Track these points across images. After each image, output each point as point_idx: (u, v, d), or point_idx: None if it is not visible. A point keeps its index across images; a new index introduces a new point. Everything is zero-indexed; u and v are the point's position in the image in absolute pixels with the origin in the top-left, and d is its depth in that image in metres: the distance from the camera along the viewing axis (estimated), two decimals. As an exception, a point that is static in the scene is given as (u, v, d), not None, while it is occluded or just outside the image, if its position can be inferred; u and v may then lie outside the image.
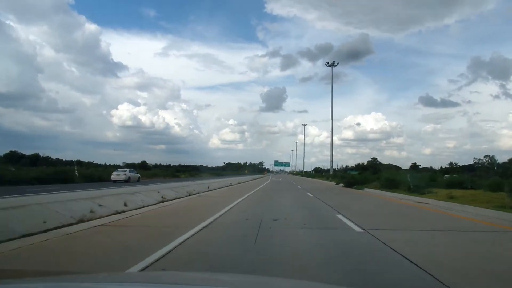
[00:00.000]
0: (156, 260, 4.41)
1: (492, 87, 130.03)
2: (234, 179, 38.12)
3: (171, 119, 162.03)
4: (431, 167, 63.01)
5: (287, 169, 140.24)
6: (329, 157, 57.04)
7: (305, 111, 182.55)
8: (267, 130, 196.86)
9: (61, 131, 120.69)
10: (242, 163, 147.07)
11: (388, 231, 7.07)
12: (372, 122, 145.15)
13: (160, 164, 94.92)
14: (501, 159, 59.63)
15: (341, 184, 31.92)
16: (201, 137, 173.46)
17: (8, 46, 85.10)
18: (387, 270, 4.32)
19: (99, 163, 73.55)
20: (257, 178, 58.50)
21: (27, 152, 70.41)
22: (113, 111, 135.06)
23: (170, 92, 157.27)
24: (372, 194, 20.35)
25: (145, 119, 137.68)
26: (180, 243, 5.43)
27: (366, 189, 23.88)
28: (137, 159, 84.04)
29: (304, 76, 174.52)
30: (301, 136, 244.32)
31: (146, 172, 50.66)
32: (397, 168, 57.79)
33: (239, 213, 9.68)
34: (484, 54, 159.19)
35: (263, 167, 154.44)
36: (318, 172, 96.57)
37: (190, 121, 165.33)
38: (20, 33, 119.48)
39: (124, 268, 3.95)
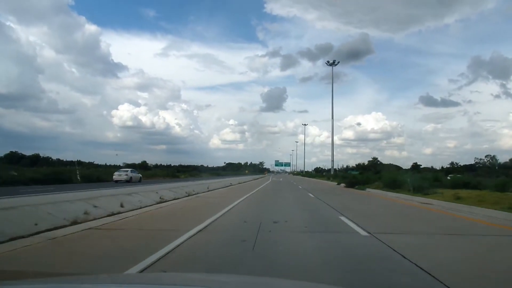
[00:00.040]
0: (144, 269, 4.00)
1: (492, 86, 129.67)
2: (234, 179, 37.77)
3: (171, 119, 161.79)
4: (432, 167, 62.68)
5: (288, 169, 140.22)
6: (330, 157, 56.72)
7: (306, 111, 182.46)
8: (268, 130, 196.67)
9: (61, 131, 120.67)
10: (242, 163, 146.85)
11: (395, 235, 6.65)
12: (372, 122, 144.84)
13: (161, 164, 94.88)
14: (502, 158, 59.31)
15: (343, 184, 31.52)
16: (201, 137, 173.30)
17: (8, 47, 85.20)
18: (399, 281, 3.91)
19: (99, 164, 73.66)
20: (257, 178, 58.12)
21: (28, 152, 70.33)
22: (114, 112, 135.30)
23: (170, 93, 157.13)
24: (375, 194, 19.93)
25: (146, 119, 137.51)
26: (173, 249, 5.02)
27: (368, 189, 23.46)
28: (137, 160, 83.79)
29: (304, 76, 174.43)
30: (301, 136, 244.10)
31: (146, 172, 50.41)
32: (397, 168, 57.33)
33: (237, 215, 9.28)
34: (484, 53, 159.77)
35: (264, 167, 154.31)
36: (318, 172, 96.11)
37: (191, 121, 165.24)
38: (20, 34, 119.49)
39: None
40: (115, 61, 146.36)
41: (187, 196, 15.65)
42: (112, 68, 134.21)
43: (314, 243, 5.87)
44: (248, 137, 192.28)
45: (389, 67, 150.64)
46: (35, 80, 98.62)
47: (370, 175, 32.16)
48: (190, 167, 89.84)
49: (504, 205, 9.99)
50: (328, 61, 55.49)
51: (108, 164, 74.49)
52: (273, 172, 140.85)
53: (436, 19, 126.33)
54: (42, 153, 72.40)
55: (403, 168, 57.46)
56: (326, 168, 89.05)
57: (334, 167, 59.78)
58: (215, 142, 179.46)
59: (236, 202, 12.85)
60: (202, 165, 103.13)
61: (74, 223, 7.18)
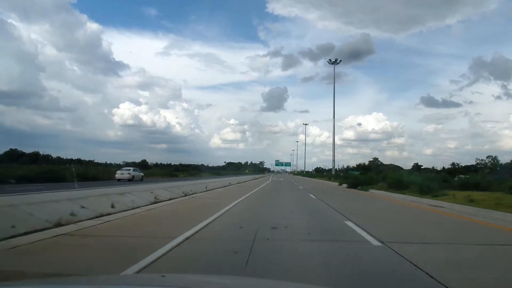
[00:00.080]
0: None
1: (493, 87, 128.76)
2: (233, 179, 36.99)
3: (172, 118, 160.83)
4: (433, 167, 61.74)
5: (288, 169, 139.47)
6: (330, 157, 55.92)
7: (306, 111, 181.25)
8: (268, 130, 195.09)
9: (62, 129, 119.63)
10: (243, 163, 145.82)
11: (412, 245, 5.77)
12: (373, 122, 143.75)
13: (161, 163, 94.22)
14: (503, 159, 58.22)
15: (344, 185, 30.63)
16: (202, 137, 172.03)
17: (10, 45, 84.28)
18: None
19: (100, 162, 73.17)
20: (257, 178, 57.29)
21: (29, 150, 69.84)
22: (115, 110, 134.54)
23: (171, 92, 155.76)
24: (379, 196, 18.99)
25: (146, 118, 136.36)
26: (148, 265, 4.14)
27: (371, 190, 22.55)
28: (137, 158, 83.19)
29: (306, 76, 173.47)
30: (302, 136, 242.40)
31: (145, 171, 49.72)
32: (398, 168, 56.44)
33: (233, 219, 8.41)
34: (485, 54, 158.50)
35: (264, 166, 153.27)
36: (319, 172, 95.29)
37: (191, 120, 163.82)
38: (22, 31, 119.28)
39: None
40: (117, 59, 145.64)
41: (183, 196, 14.96)
42: (113, 67, 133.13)
43: (319, 256, 4.97)
44: (248, 137, 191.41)
45: (390, 68, 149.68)
46: (37, 78, 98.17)
47: (374, 175, 31.19)
48: (191, 166, 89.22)
49: (525, 209, 9.08)
50: (330, 60, 55.50)
51: (108, 162, 74.10)
52: (273, 172, 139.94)
53: (438, 19, 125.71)
54: (42, 151, 72.16)
55: (404, 168, 56.65)
56: (327, 168, 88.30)
57: (335, 167, 58.95)
58: (215, 141, 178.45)
59: (233, 204, 12.03)
60: (202, 165, 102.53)
61: (58, 225, 6.65)
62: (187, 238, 5.79)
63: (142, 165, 68.18)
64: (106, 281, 1.95)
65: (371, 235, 6.35)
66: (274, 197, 16.57)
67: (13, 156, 62.52)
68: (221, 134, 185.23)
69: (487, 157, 59.99)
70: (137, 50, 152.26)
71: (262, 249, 5.19)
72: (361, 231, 6.79)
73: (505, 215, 9.10)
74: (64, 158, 71.14)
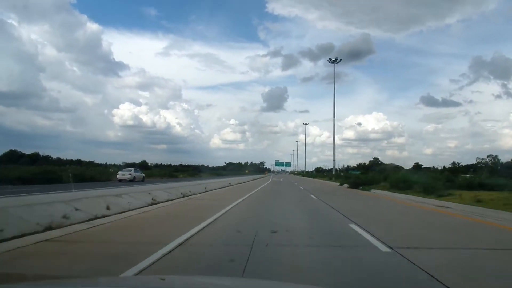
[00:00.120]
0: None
1: (493, 86, 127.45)
2: (233, 179, 36.58)
3: (172, 118, 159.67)
4: (433, 167, 61.04)
5: (288, 169, 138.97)
6: (330, 157, 55.32)
7: (306, 111, 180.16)
8: (268, 130, 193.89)
9: (62, 130, 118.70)
10: (243, 163, 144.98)
11: (424, 250, 5.33)
12: (373, 122, 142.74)
13: (161, 164, 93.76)
14: (503, 158, 57.68)
15: (345, 185, 30.18)
16: (202, 137, 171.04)
17: (10, 45, 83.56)
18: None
19: (100, 163, 72.84)
20: (257, 178, 56.86)
21: (29, 151, 69.43)
22: (115, 111, 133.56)
23: (171, 92, 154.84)
24: (382, 196, 18.52)
25: (147, 118, 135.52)
26: (135, 275, 3.70)
27: (373, 191, 22.09)
28: (137, 159, 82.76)
29: (306, 76, 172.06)
30: (302, 136, 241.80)
31: (145, 171, 49.33)
32: (399, 168, 55.87)
33: (231, 222, 7.98)
34: (485, 53, 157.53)
35: (264, 167, 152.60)
36: (319, 172, 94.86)
37: (191, 121, 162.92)
38: (22, 32, 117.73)
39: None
40: (117, 60, 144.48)
41: (181, 198, 14.57)
42: (113, 67, 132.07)
43: (324, 265, 4.50)
44: (248, 137, 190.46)
45: (390, 67, 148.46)
46: (37, 79, 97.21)
47: (376, 175, 30.69)
48: (191, 166, 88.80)
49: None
50: (330, 59, 54.89)
51: (108, 163, 73.76)
52: (273, 172, 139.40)
53: (438, 19, 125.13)
54: (42, 152, 71.69)
55: (405, 168, 56.14)
56: (327, 168, 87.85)
57: (335, 167, 58.46)
58: (215, 141, 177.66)
59: (232, 205, 11.62)
60: (202, 165, 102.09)
61: (49, 228, 6.39)
62: (180, 244, 5.36)
63: (142, 166, 67.83)
64: (106, 283, 1.98)
65: (378, 239, 5.91)
66: (274, 198, 16.13)
67: (13, 157, 62.17)
68: (221, 135, 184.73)
69: (487, 156, 59.35)
70: (137, 50, 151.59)
71: (260, 256, 4.75)
72: (367, 235, 6.35)
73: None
74: (64, 159, 70.83)
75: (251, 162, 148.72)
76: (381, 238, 5.94)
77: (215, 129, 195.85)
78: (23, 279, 2.14)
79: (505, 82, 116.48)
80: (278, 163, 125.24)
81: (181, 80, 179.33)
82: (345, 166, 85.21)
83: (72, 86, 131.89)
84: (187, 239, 5.77)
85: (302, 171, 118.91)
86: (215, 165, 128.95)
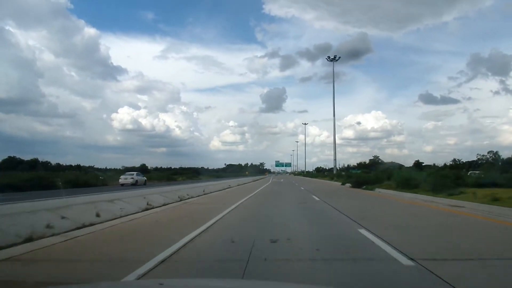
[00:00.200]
0: None
1: (492, 83, 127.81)
2: (233, 181, 35.80)
3: (171, 121, 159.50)
4: (434, 164, 60.25)
5: (289, 169, 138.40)
6: (330, 157, 54.86)
7: (305, 111, 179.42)
8: (268, 131, 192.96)
9: (61, 135, 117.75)
10: (243, 165, 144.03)
11: (452, 263, 4.47)
12: (372, 120, 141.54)
13: (161, 167, 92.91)
14: (503, 154, 57.12)
15: (348, 184, 29.34)
16: (201, 139, 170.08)
17: (7, 52, 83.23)
18: None
19: (99, 167, 72.20)
20: (257, 180, 56.10)
21: (28, 157, 68.72)
22: (114, 115, 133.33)
23: (170, 95, 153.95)
24: (389, 195, 17.64)
25: (146, 122, 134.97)
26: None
27: (378, 190, 21.23)
28: (137, 163, 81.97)
29: (304, 76, 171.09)
30: (301, 136, 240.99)
31: (145, 175, 48.62)
32: (400, 166, 55.02)
33: (225, 229, 7.13)
34: (483, 50, 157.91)
35: (264, 168, 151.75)
36: (320, 172, 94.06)
37: (191, 123, 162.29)
38: (20, 38, 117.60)
39: None
40: (115, 64, 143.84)
41: (178, 202, 13.87)
42: (111, 71, 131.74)
43: (335, 286, 3.65)
44: (248, 138, 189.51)
45: (388, 66, 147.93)
46: (35, 84, 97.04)
47: (380, 173, 29.79)
48: (191, 169, 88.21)
49: None
50: (329, 57, 54.68)
51: (108, 167, 73.09)
52: (273, 172, 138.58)
53: (435, 17, 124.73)
54: (42, 158, 71.19)
55: (405, 166, 55.30)
56: (327, 168, 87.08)
57: (336, 166, 57.57)
58: (215, 143, 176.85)
59: (230, 209, 10.87)
60: (202, 167, 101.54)
61: (29, 240, 5.75)
62: (163, 261, 4.49)
63: (142, 170, 67.16)
64: None
65: (395, 248, 5.05)
66: (274, 201, 15.26)
67: (12, 163, 61.75)
68: (221, 136, 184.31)
69: (488, 153, 58.66)
70: (134, 54, 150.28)
71: (258, 273, 3.92)
72: (382, 243, 5.49)
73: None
74: (64, 164, 70.18)
75: (251, 164, 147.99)
76: (399, 248, 5.08)
77: (214, 131, 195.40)
78: (24, 286, 2.18)
79: (503, 79, 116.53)
80: (278, 164, 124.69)
81: (179, 83, 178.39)
82: (345, 166, 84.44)
83: (70, 91, 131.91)
84: (173, 253, 4.92)
85: (303, 171, 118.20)
86: (215, 167, 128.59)
